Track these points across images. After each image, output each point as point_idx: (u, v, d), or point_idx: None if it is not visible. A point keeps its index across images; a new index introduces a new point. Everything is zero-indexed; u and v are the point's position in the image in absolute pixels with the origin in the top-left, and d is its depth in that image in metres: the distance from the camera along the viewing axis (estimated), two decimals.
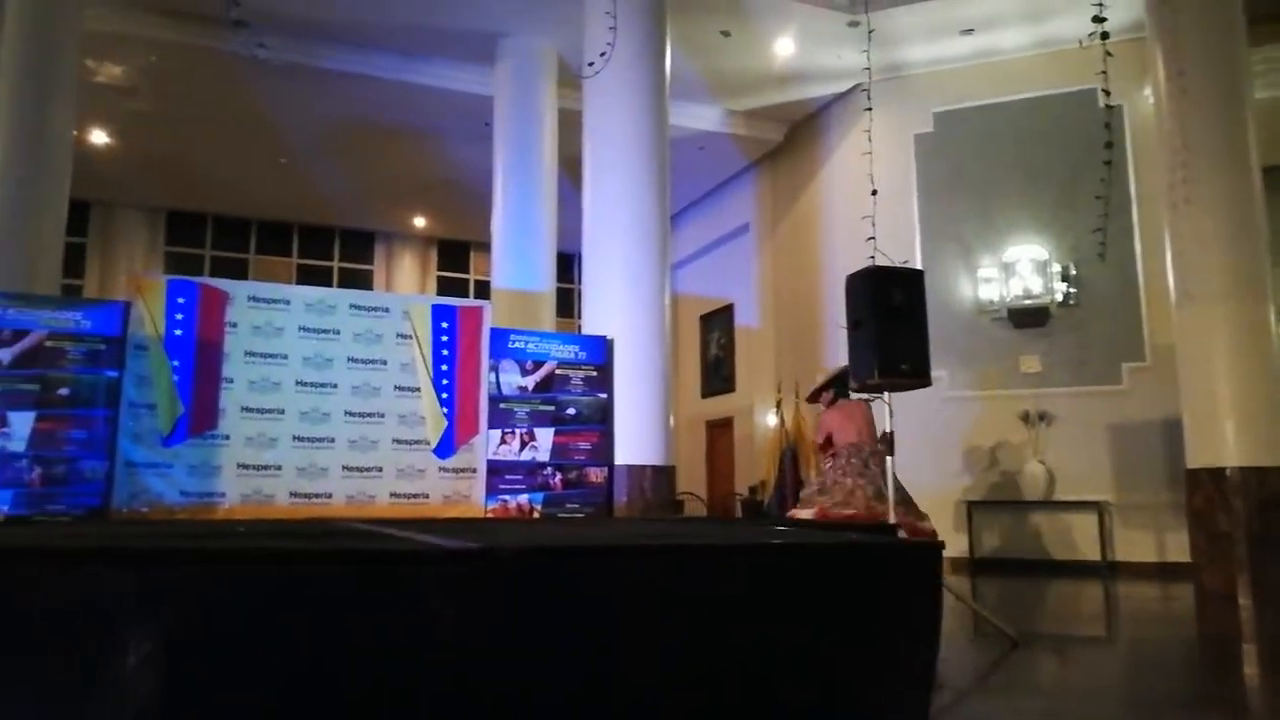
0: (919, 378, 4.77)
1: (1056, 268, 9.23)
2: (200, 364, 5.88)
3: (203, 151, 11.73)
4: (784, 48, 9.65)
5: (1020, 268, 9.31)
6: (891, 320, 4.61)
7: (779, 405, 10.74)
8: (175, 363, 5.80)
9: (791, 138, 11.70)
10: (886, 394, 4.95)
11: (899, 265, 5.20)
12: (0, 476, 5.37)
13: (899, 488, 5.46)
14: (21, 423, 5.45)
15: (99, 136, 11.13)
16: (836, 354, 10.05)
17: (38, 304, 5.76)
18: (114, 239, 13.77)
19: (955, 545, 8.85)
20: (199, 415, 5.81)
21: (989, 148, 9.70)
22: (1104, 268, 8.70)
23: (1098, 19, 5.42)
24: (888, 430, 5.06)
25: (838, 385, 6.38)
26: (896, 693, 1.80)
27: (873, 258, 5.17)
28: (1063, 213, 9.25)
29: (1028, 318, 9.29)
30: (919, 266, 7.66)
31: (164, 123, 10.81)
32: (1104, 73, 5.66)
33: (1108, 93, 6.02)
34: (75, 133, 8.54)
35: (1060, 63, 9.16)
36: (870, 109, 6.14)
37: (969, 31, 9.33)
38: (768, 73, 10.20)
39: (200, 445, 5.80)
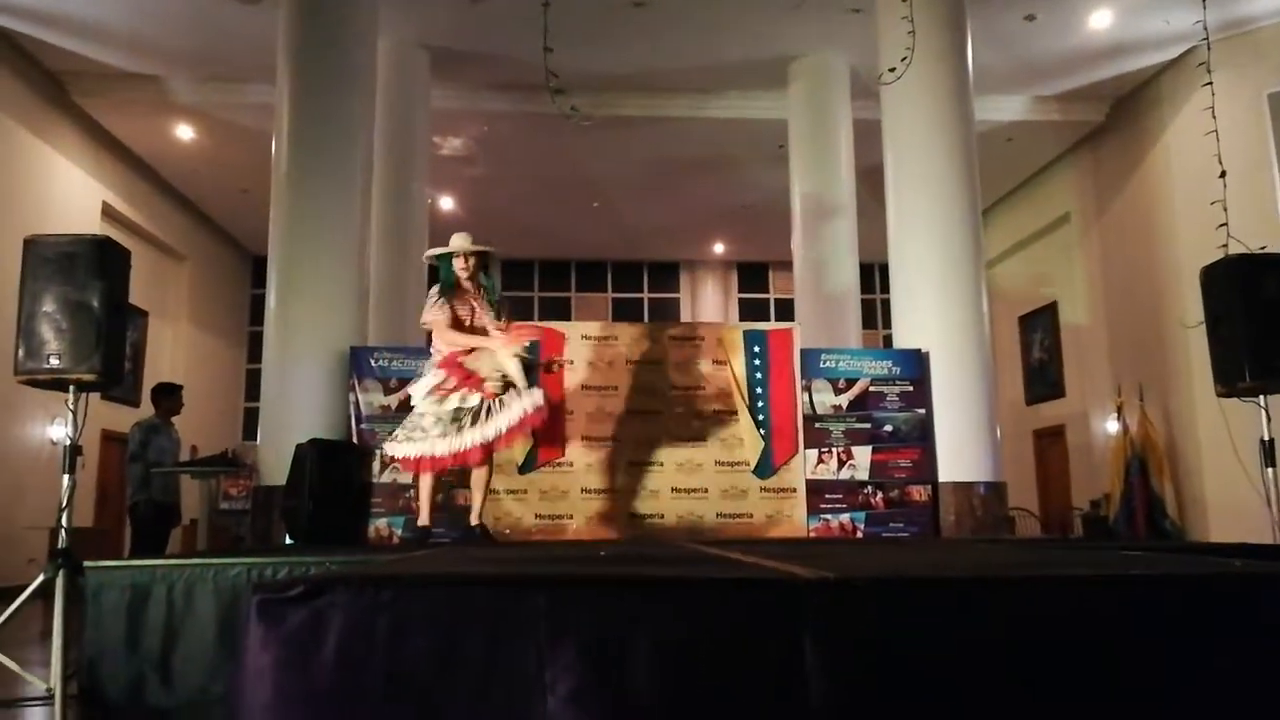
0: None
1: None
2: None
3: (528, 204, 13.03)
4: (1100, 20, 8.85)
5: None
6: (1265, 315, 4.07)
7: (1120, 410, 9.76)
8: None
9: (1114, 116, 10.64)
10: (1262, 399, 4.37)
11: (1259, 251, 4.58)
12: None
13: None
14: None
15: (445, 202, 12.75)
16: (1188, 352, 8.94)
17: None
18: None
19: None
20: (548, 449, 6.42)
21: None
22: None
23: None
24: (1265, 438, 4.45)
25: None
26: None
27: (1224, 246, 4.58)
28: None
29: None
30: None
31: (496, 183, 12.18)
32: None
33: None
34: (428, 200, 9.89)
35: None
36: (1209, 83, 5.39)
37: None
38: (1081, 50, 9.40)
39: (550, 473, 6.41)
